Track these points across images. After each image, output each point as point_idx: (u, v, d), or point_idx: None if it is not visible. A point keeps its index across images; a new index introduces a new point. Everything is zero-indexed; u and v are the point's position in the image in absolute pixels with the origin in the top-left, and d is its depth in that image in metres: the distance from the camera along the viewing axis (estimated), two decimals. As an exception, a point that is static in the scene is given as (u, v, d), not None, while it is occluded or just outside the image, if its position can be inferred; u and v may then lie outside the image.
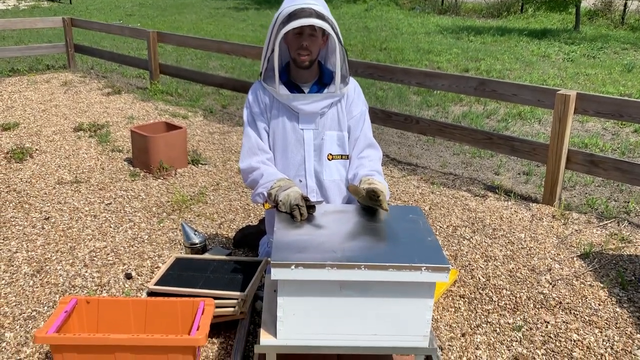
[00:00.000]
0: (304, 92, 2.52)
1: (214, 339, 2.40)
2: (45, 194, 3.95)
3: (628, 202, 4.00)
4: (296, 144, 2.52)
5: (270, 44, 2.41)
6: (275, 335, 1.91)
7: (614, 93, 7.40)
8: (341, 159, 2.55)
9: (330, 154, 2.53)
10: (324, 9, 2.36)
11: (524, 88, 4.07)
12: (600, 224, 3.62)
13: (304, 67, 2.47)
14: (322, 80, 2.53)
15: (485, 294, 2.80)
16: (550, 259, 3.16)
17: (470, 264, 3.08)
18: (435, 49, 11.16)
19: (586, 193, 4.21)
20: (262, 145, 2.53)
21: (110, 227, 3.46)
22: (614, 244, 3.33)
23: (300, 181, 2.53)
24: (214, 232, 3.41)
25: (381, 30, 14.68)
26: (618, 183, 4.32)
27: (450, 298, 2.76)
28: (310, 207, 2.18)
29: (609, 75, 8.78)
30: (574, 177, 4.47)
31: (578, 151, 3.91)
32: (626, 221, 3.66)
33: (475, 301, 2.74)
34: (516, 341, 2.45)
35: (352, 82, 2.59)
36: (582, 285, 2.89)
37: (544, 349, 2.40)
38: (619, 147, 5.26)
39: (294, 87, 2.52)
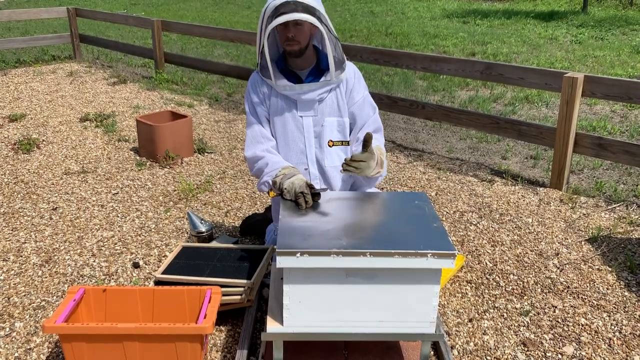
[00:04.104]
0: (301, 79, 2.51)
1: (221, 326, 2.41)
2: (53, 184, 3.97)
3: (637, 185, 3.97)
4: (296, 131, 2.52)
5: (261, 39, 2.41)
6: (282, 322, 1.91)
7: (623, 75, 7.31)
8: (342, 145, 2.55)
9: (331, 141, 2.53)
10: None
11: (531, 71, 4.03)
12: (609, 207, 3.59)
13: (296, 56, 2.46)
14: (320, 66, 2.51)
15: (493, 279, 2.79)
16: (558, 243, 3.14)
17: (477, 249, 3.07)
18: (442, 33, 11.07)
19: (594, 176, 4.17)
20: (265, 133, 2.53)
21: (118, 216, 3.47)
22: (622, 228, 3.31)
23: (306, 169, 2.53)
24: (221, 221, 3.42)
25: (386, 15, 14.58)
26: (627, 166, 4.29)
27: (457, 284, 2.76)
28: (315, 195, 2.17)
29: (618, 57, 8.68)
30: (582, 161, 4.44)
31: (586, 134, 3.87)
32: (635, 204, 3.63)
33: (482, 286, 2.73)
34: (524, 326, 2.44)
35: (351, 67, 2.57)
36: (590, 269, 2.88)
37: (552, 334, 2.39)
38: (628, 129, 5.21)
39: (291, 75, 2.51)
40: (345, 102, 2.53)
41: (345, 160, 2.21)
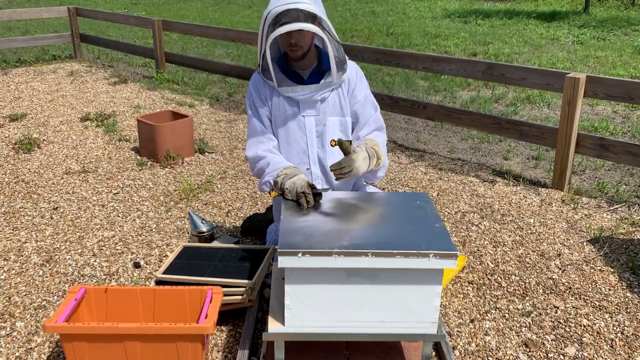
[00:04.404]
0: (303, 79, 2.51)
1: (222, 326, 2.40)
2: (54, 184, 3.97)
3: (639, 186, 3.96)
4: (298, 131, 2.51)
5: (262, 45, 2.40)
6: (283, 323, 1.91)
7: (625, 75, 7.31)
8: None
9: (333, 140, 2.53)
10: (311, 4, 2.33)
11: (533, 71, 4.02)
12: (611, 208, 3.58)
13: (298, 60, 2.46)
14: (322, 66, 2.51)
15: (494, 279, 2.79)
16: (560, 244, 3.14)
17: (478, 250, 3.06)
18: (443, 33, 11.06)
19: (596, 177, 4.17)
20: (267, 133, 2.52)
21: (118, 216, 3.47)
22: (624, 229, 3.30)
23: (308, 169, 2.52)
24: (222, 221, 3.41)
25: (388, 15, 14.58)
26: (628, 167, 4.28)
27: (458, 284, 2.75)
28: (317, 195, 2.17)
29: (620, 57, 8.67)
30: (583, 162, 4.43)
31: (588, 135, 3.86)
32: (637, 205, 3.62)
33: (484, 287, 2.73)
34: (525, 327, 2.44)
35: (353, 66, 2.57)
36: (592, 270, 2.87)
37: (554, 335, 2.38)
38: (630, 130, 5.20)
39: (293, 75, 2.51)
40: (347, 101, 2.53)
41: (331, 170, 2.24)
